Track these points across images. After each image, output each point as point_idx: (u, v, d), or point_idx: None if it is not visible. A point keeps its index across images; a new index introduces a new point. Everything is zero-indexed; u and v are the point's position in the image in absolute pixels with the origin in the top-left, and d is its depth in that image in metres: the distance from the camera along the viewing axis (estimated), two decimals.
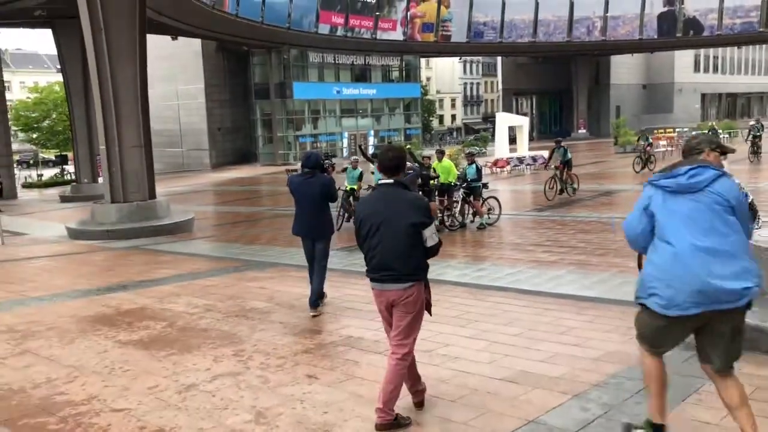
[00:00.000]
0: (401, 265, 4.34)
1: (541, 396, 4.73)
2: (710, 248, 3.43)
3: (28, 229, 19.60)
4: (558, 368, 5.28)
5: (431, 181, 14.33)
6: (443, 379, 5.15)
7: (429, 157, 15.10)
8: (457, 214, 14.70)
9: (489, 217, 14.81)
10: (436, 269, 9.64)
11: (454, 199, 14.86)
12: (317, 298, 7.69)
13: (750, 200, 4.88)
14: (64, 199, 31.70)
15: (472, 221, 14.99)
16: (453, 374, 5.26)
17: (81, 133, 32.36)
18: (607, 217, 14.83)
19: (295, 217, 7.94)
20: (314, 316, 7.43)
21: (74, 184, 34.39)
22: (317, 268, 7.80)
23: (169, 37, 43.14)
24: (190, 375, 5.58)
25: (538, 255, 10.76)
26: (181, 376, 5.57)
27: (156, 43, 52.21)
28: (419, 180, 13.45)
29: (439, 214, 14.43)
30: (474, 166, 14.90)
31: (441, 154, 15.04)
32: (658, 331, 3.63)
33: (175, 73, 51.96)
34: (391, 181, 4.46)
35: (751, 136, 27.03)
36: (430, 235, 4.38)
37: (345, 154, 51.90)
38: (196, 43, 49.86)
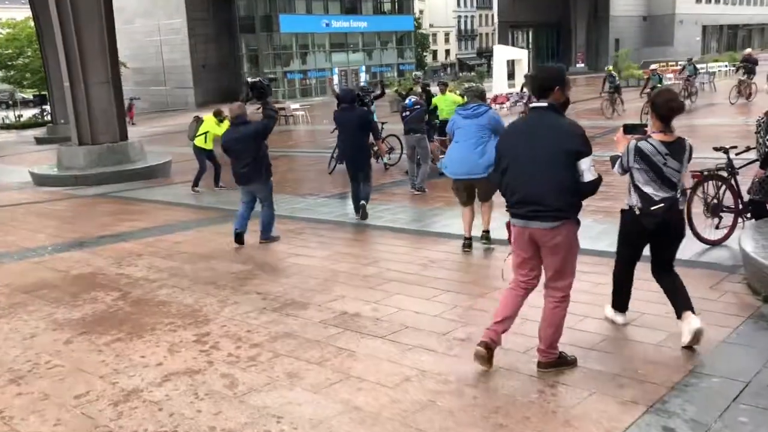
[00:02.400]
0: (552, 200, 3.83)
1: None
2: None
3: None
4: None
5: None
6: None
7: (445, 84, 13.53)
8: None
9: None
10: (440, 220, 8.38)
11: None
12: (363, 202, 8.89)
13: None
14: (39, 141, 29.97)
15: None
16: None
17: (55, 71, 30.28)
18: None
19: (338, 146, 9.62)
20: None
21: (50, 125, 32.57)
22: (362, 189, 8.97)
23: None
24: (135, 374, 4.26)
25: None
26: (122, 375, 4.25)
27: None
28: (426, 116, 12.04)
29: (441, 156, 13.01)
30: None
31: (444, 85, 13.47)
32: (456, 189, 7.06)
33: (156, 6, 49.46)
34: (544, 104, 3.99)
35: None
36: (587, 168, 3.86)
37: (338, 90, 49.83)
38: None
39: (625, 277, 4.60)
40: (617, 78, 22.32)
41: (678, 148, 4.27)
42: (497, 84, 34.84)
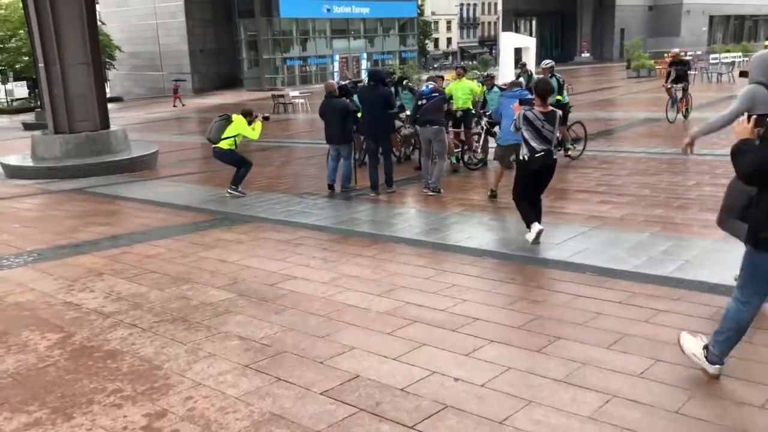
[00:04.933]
0: None
1: None
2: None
3: None
4: None
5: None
6: None
7: (441, 77, 12.02)
8: (479, 150, 11.79)
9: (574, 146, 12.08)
10: (462, 229, 7.07)
11: (474, 130, 11.97)
12: (381, 184, 9.79)
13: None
14: (27, 126, 28.54)
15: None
16: None
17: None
18: (659, 152, 12.04)
19: (362, 121, 10.04)
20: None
21: (38, 110, 31.09)
22: (384, 163, 9.86)
23: None
24: None
25: (595, 207, 8.03)
26: None
27: None
28: (446, 107, 10.77)
29: (456, 150, 11.60)
30: (496, 90, 11.93)
31: (463, 70, 12.01)
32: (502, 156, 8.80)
33: None
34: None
35: None
36: None
37: (336, 78, 48.31)
38: None
39: (527, 204, 6.58)
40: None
41: (551, 117, 6.32)
42: (504, 72, 33.41)
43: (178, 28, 47.97)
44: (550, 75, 11.22)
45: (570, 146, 11.84)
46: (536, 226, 6.40)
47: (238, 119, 10.20)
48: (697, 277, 5.28)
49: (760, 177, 3.23)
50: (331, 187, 10.20)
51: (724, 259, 5.59)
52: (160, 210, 9.55)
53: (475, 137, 11.83)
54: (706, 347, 3.61)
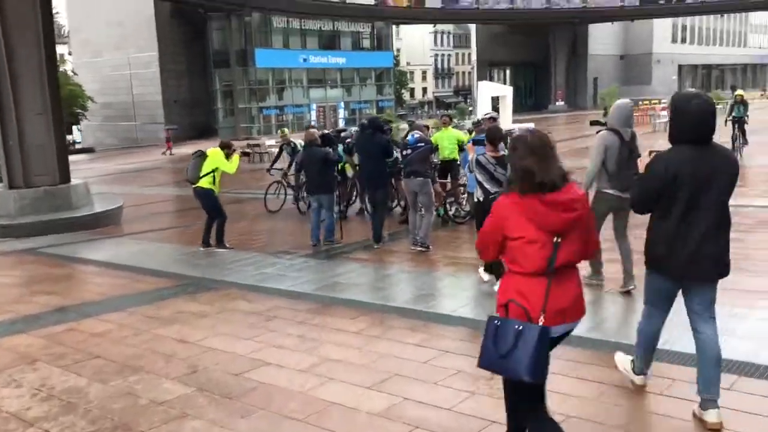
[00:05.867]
0: None
1: None
2: None
3: None
4: None
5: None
6: None
7: (427, 126, 11.32)
8: (464, 202, 11.01)
9: None
10: (456, 293, 6.01)
11: (460, 181, 11.21)
12: (379, 239, 9.19)
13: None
14: None
15: None
16: None
17: None
18: None
19: (361, 170, 10.17)
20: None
21: None
22: (375, 214, 9.40)
23: (119, 1, 38.59)
24: None
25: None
26: None
27: (104, 6, 47.60)
28: (433, 156, 10.22)
29: (441, 203, 10.81)
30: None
31: (449, 118, 11.33)
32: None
33: (127, 40, 47.32)
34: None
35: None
36: None
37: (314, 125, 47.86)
38: (149, 6, 45.22)
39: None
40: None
41: (502, 161, 6.19)
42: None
43: (152, 78, 47.40)
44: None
45: None
46: (490, 278, 6.59)
47: (213, 152, 9.47)
48: None
49: (643, 206, 3.72)
50: (315, 246, 9.50)
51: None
52: (119, 274, 8.55)
53: (461, 189, 11.07)
54: (633, 361, 4.14)
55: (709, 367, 3.60)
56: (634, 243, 5.78)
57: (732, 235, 3.66)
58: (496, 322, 2.90)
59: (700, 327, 3.65)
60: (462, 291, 6.95)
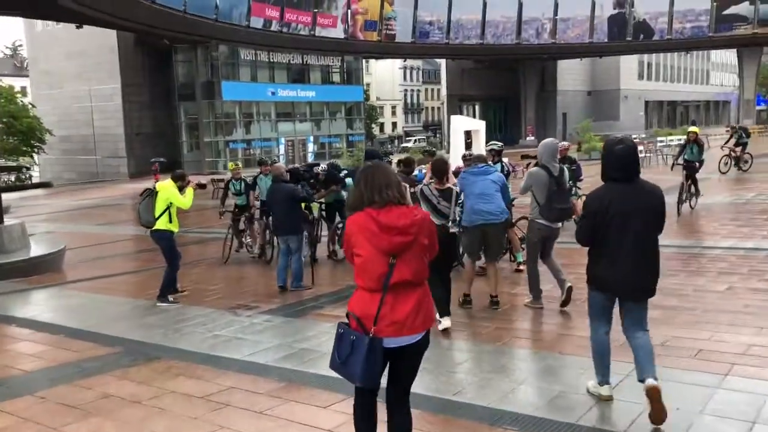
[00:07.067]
0: None
1: None
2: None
3: None
4: None
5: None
6: None
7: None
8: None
9: None
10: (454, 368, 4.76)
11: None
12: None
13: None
14: None
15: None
16: None
17: None
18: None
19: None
20: None
21: None
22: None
23: (80, 31, 37.18)
24: None
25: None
26: None
27: (65, 37, 45.96)
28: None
29: None
30: (503, 166, 9.83)
31: (431, 155, 10.24)
32: (469, 238, 7.20)
33: (88, 71, 45.77)
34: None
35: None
36: None
37: (282, 161, 46.60)
38: (112, 37, 43.77)
39: (439, 284, 6.15)
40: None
41: (447, 194, 6.53)
42: (455, 155, 32.33)
43: (114, 110, 45.79)
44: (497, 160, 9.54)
45: (520, 258, 9.03)
46: (446, 321, 6.35)
47: (163, 187, 8.32)
48: None
49: (586, 241, 4.34)
50: (282, 288, 8.63)
51: None
52: (42, 338, 7.14)
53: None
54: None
55: (645, 357, 4.21)
56: None
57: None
58: (341, 330, 3.23)
59: (636, 333, 4.27)
60: (462, 363, 5.72)
